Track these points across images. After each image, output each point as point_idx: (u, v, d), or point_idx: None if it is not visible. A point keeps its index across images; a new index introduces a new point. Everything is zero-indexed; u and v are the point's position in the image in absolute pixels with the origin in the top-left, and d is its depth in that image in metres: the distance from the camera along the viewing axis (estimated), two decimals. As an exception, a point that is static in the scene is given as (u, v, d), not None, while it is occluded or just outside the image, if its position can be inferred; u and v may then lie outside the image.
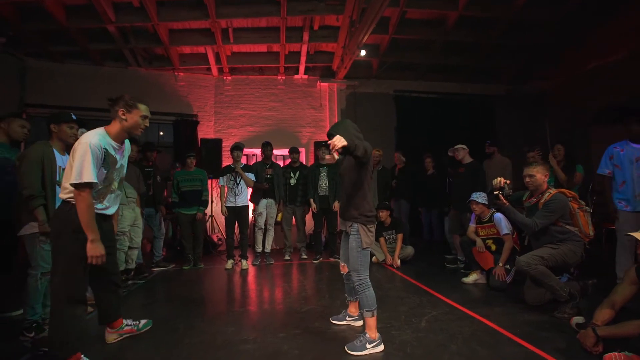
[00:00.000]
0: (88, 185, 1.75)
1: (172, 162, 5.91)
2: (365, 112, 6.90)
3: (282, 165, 5.17)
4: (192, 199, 4.52)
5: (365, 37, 4.86)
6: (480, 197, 3.57)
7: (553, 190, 2.75)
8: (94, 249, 1.78)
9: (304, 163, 5.55)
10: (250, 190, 4.65)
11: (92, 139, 1.79)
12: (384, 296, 3.11)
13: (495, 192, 2.79)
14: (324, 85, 6.88)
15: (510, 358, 1.89)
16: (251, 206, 4.75)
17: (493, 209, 3.57)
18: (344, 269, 2.43)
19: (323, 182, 4.76)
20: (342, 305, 2.86)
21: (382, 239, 4.53)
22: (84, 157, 1.74)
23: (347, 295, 2.51)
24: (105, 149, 1.85)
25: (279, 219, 5.09)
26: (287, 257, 4.91)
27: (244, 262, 4.47)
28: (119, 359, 1.92)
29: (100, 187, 1.90)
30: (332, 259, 4.81)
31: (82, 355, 1.81)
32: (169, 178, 4.95)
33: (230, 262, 4.50)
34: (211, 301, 3.19)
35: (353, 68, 6.21)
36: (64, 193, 1.84)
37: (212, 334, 2.32)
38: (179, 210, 4.53)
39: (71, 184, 1.75)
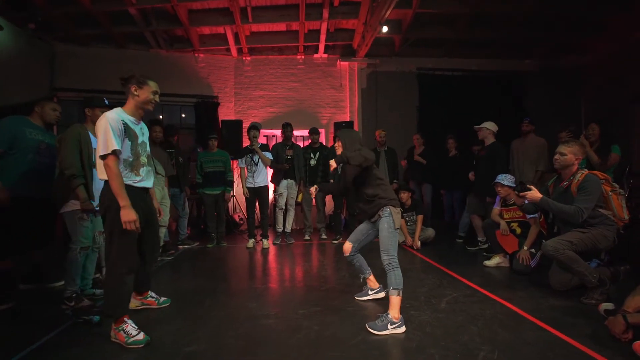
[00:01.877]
0: (113, 153, 1.87)
1: (193, 143, 6.04)
2: (386, 91, 6.72)
3: (302, 146, 5.17)
4: (215, 180, 4.64)
5: (388, 13, 4.65)
6: (505, 179, 3.45)
7: (585, 172, 2.59)
8: (126, 214, 1.86)
9: (324, 144, 5.52)
10: (270, 170, 4.70)
11: (110, 114, 1.93)
12: (403, 277, 3.10)
13: (519, 189, 2.67)
14: (344, 64, 6.72)
15: (533, 342, 1.86)
16: (272, 187, 4.81)
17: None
18: (347, 250, 2.53)
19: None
20: (361, 285, 2.90)
21: (402, 221, 4.50)
22: (105, 130, 1.86)
23: (361, 273, 2.63)
24: (123, 121, 1.95)
25: (299, 199, 5.14)
26: (307, 237, 4.99)
27: (265, 241, 4.59)
28: (149, 327, 2.05)
29: (130, 159, 1.99)
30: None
31: (126, 318, 1.96)
32: (192, 159, 5.08)
33: (252, 241, 4.63)
34: (234, 278, 3.32)
35: (374, 46, 6.00)
36: (101, 173, 1.95)
37: (235, 309, 2.43)
38: (203, 191, 4.67)
39: (99, 157, 1.88)
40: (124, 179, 1.93)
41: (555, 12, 5.50)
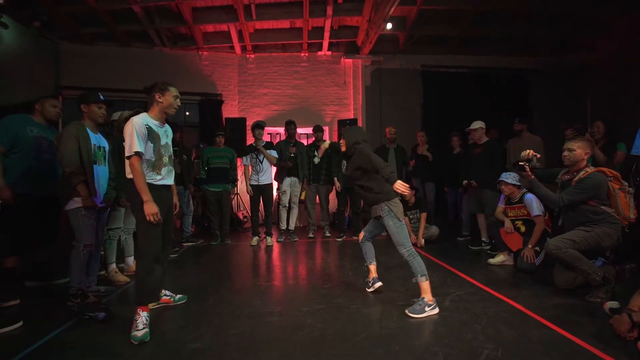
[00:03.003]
0: (137, 155, 2.02)
1: (196, 141, 6.06)
2: (390, 89, 6.69)
3: (305, 143, 5.17)
4: (219, 177, 4.65)
5: (392, 9, 4.63)
6: (509, 177, 3.42)
7: (591, 169, 2.56)
8: (148, 208, 2.01)
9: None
10: (273, 168, 4.71)
11: (136, 119, 2.07)
12: (407, 275, 3.11)
13: (521, 163, 2.67)
14: (348, 61, 6.70)
15: (538, 340, 1.86)
16: (275, 184, 4.82)
17: (524, 190, 3.42)
18: (361, 236, 2.77)
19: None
20: (365, 282, 2.91)
21: (406, 219, 4.49)
22: (130, 133, 2.02)
23: (364, 261, 2.78)
24: (147, 125, 2.09)
25: (302, 197, 5.15)
26: (310, 235, 5.00)
27: (268, 239, 4.61)
28: (154, 325, 2.07)
29: (153, 159, 2.12)
30: (355, 237, 4.84)
31: (144, 311, 2.03)
32: (195, 157, 5.09)
33: (256, 238, 4.65)
34: (238, 275, 3.33)
35: (378, 43, 5.97)
36: (127, 173, 2.09)
37: (239, 306, 2.44)
38: (206, 188, 4.68)
39: (125, 157, 2.03)
40: (146, 177, 2.07)
41: (560, 10, 5.45)
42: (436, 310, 2.22)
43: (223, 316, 2.26)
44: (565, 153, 2.63)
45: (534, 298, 2.48)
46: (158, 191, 2.11)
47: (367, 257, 2.76)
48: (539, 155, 2.68)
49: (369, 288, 2.70)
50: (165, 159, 2.21)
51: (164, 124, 2.24)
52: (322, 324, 2.12)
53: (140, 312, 2.00)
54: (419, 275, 2.28)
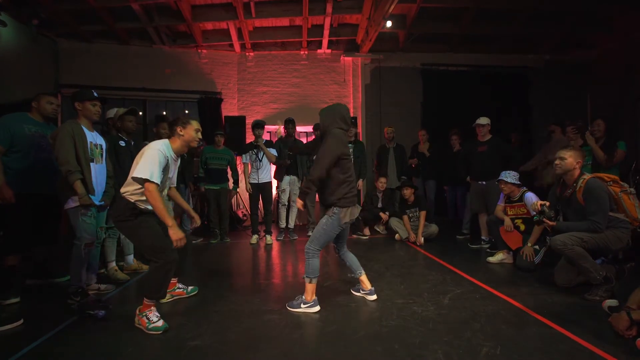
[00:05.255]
0: (155, 183, 2.04)
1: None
2: (390, 87, 6.68)
3: (305, 142, 5.17)
4: (217, 177, 4.65)
5: (392, 7, 4.62)
6: (509, 176, 3.41)
7: (587, 176, 2.55)
8: (175, 234, 2.05)
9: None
10: (273, 166, 4.71)
11: (161, 147, 2.11)
12: (406, 273, 3.13)
13: (536, 219, 2.68)
14: (347, 59, 6.68)
15: (537, 338, 1.86)
16: (274, 183, 4.82)
17: (524, 188, 3.42)
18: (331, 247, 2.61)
19: (347, 160, 4.72)
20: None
21: (405, 217, 4.50)
22: (153, 158, 2.04)
23: (350, 273, 2.63)
24: (167, 157, 2.15)
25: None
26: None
27: (268, 237, 4.61)
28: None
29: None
30: (354, 236, 4.85)
31: (152, 306, 2.09)
32: (194, 155, 5.09)
33: (255, 237, 4.65)
34: (238, 274, 3.34)
35: (378, 41, 5.96)
36: (123, 188, 2.15)
37: (239, 304, 2.44)
38: (205, 186, 4.68)
39: (136, 177, 2.01)
40: (145, 204, 2.13)
41: (561, 7, 5.44)
42: (315, 309, 2.27)
43: (223, 314, 2.27)
44: (557, 161, 2.63)
45: (533, 296, 2.49)
46: (147, 216, 2.15)
47: (353, 269, 2.56)
48: (547, 204, 2.68)
49: (357, 292, 2.58)
50: (165, 192, 2.27)
51: (179, 157, 2.32)
52: (321, 322, 2.13)
53: (151, 308, 2.06)
54: (305, 276, 2.32)
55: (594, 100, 6.04)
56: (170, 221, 2.05)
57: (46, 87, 5.48)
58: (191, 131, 2.22)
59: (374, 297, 2.49)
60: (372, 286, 2.52)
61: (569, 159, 2.57)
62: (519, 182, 3.41)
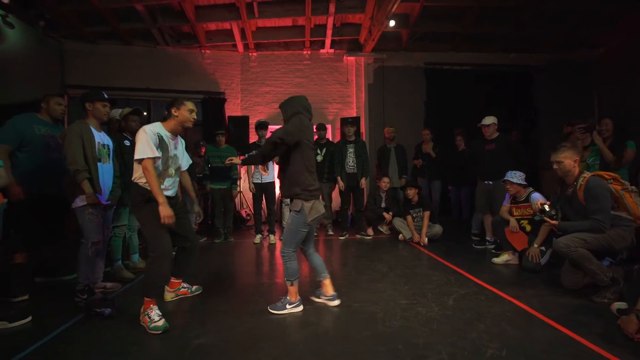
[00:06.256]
0: (148, 158, 2.07)
1: (197, 140, 6.07)
2: (393, 86, 6.66)
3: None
4: (222, 175, 4.67)
5: (395, 6, 4.60)
6: (515, 176, 3.37)
7: (587, 174, 2.53)
8: (163, 210, 2.05)
9: (331, 140, 5.51)
10: (276, 166, 4.71)
11: (148, 127, 2.15)
12: (410, 273, 3.12)
13: (538, 219, 2.67)
14: (350, 59, 6.67)
15: (543, 340, 1.84)
16: (278, 182, 4.82)
17: (530, 189, 3.39)
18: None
19: (350, 160, 4.71)
20: (369, 281, 2.91)
21: (409, 217, 4.48)
22: (142, 139, 2.08)
23: (317, 273, 2.45)
24: (159, 134, 2.16)
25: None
26: (315, 233, 4.99)
27: (271, 236, 4.61)
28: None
29: (160, 168, 2.17)
30: (358, 236, 4.84)
31: (152, 305, 2.10)
32: (197, 154, 5.11)
33: (259, 236, 4.65)
34: (241, 273, 3.34)
35: (381, 40, 5.94)
36: (133, 175, 2.18)
37: (243, 303, 2.45)
38: (210, 185, 4.70)
39: (135, 160, 2.08)
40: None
41: (565, 5, 5.38)
42: (299, 309, 2.29)
43: (227, 313, 2.28)
44: (555, 166, 2.63)
45: (539, 298, 2.46)
46: (156, 202, 2.11)
47: (318, 272, 2.43)
48: (548, 203, 2.68)
49: (318, 298, 2.46)
50: (172, 170, 2.27)
51: (177, 136, 2.31)
52: (325, 322, 2.13)
53: (152, 306, 2.07)
54: (286, 279, 2.31)
55: (600, 100, 5.99)
56: (161, 198, 2.05)
57: (52, 87, 5.53)
58: (185, 112, 2.23)
59: (337, 302, 2.37)
60: (334, 292, 2.40)
61: (566, 160, 2.57)
62: (525, 183, 3.37)
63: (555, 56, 6.72)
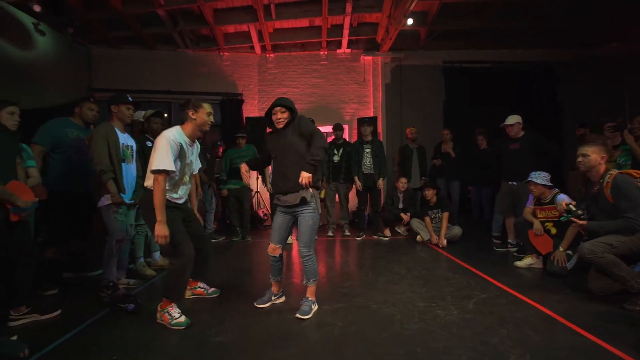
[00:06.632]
0: (164, 171, 2.03)
1: (215, 140, 6.18)
2: (411, 86, 6.57)
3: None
4: (239, 175, 4.73)
5: (413, 4, 4.54)
6: (539, 177, 3.24)
7: (614, 172, 2.40)
8: (159, 229, 2.02)
9: (348, 140, 5.50)
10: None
11: (170, 134, 2.08)
12: (428, 275, 3.07)
13: (564, 220, 2.58)
14: (367, 59, 6.63)
15: (569, 347, 1.77)
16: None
17: (556, 190, 3.26)
18: (277, 251, 2.38)
19: (367, 160, 4.68)
20: (386, 282, 2.88)
21: (427, 218, 4.41)
22: (163, 148, 2.03)
23: (273, 276, 2.45)
24: (180, 143, 2.12)
25: (322, 195, 5.15)
26: (330, 234, 5.00)
27: (289, 237, 4.63)
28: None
29: (176, 177, 2.16)
30: (375, 237, 4.80)
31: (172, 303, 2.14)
32: (215, 155, 5.21)
33: (289, 236, 4.67)
34: (259, 272, 3.38)
35: (398, 39, 5.87)
36: (147, 181, 2.14)
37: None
38: (227, 187, 4.78)
39: (151, 170, 2.03)
40: (169, 193, 2.12)
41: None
42: (316, 307, 2.30)
43: (245, 311, 2.31)
44: (580, 159, 2.52)
45: (565, 303, 2.37)
46: (171, 211, 2.12)
47: (276, 275, 2.43)
48: (574, 202, 2.58)
49: (267, 302, 2.40)
50: (186, 178, 2.26)
51: (194, 141, 2.27)
52: (342, 322, 2.12)
53: (173, 305, 2.11)
54: (312, 280, 2.28)
55: (631, 96, 5.69)
56: (160, 216, 2.01)
57: (80, 92, 5.77)
58: (203, 115, 2.18)
59: (283, 299, 2.49)
60: (281, 289, 2.51)
61: (592, 154, 2.46)
62: (550, 184, 3.24)
63: (582, 51, 6.44)
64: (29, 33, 4.72)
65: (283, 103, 2.26)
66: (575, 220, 2.52)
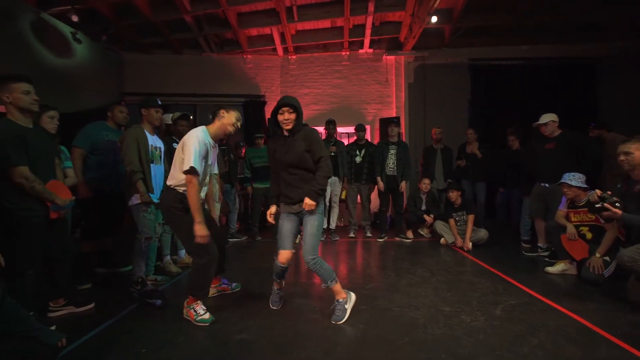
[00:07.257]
0: (196, 171, 2.04)
1: (238, 141, 6.31)
2: (434, 85, 6.42)
3: (346, 143, 5.16)
4: (264, 174, 4.81)
5: (437, 1, 4.43)
6: (573, 179, 3.06)
7: None
8: (199, 230, 2.05)
9: (370, 140, 5.45)
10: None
11: (199, 135, 2.11)
12: (453, 279, 2.98)
13: (598, 206, 2.41)
14: (390, 58, 6.55)
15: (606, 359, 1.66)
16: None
17: (591, 192, 3.07)
18: (288, 258, 2.29)
19: (391, 162, 4.61)
20: (409, 285, 2.83)
21: (452, 221, 4.29)
22: (194, 147, 2.05)
23: (277, 278, 2.41)
24: (206, 144, 2.16)
25: (343, 196, 5.13)
26: (351, 235, 4.97)
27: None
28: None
29: (199, 178, 2.17)
30: (397, 239, 4.72)
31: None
32: (239, 156, 5.33)
33: (298, 237, 4.71)
34: (280, 272, 3.41)
35: (422, 37, 5.75)
36: (170, 180, 2.19)
37: (283, 302, 2.48)
38: (252, 185, 4.89)
39: (184, 171, 2.04)
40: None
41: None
42: (354, 298, 2.25)
43: (267, 311, 2.34)
44: (622, 157, 2.37)
45: (603, 313, 2.23)
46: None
47: (277, 275, 2.39)
48: (609, 192, 2.42)
49: (277, 306, 2.39)
50: (207, 180, 2.30)
51: (216, 143, 2.31)
52: (364, 325, 2.10)
53: (198, 302, 2.18)
54: (329, 281, 2.19)
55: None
56: (198, 217, 2.03)
57: (112, 96, 6.07)
58: (232, 117, 2.24)
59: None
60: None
61: (637, 152, 2.31)
62: (585, 185, 3.06)
63: (622, 46, 6.04)
64: (67, 41, 5.02)
65: (291, 102, 2.15)
66: (610, 206, 2.34)
